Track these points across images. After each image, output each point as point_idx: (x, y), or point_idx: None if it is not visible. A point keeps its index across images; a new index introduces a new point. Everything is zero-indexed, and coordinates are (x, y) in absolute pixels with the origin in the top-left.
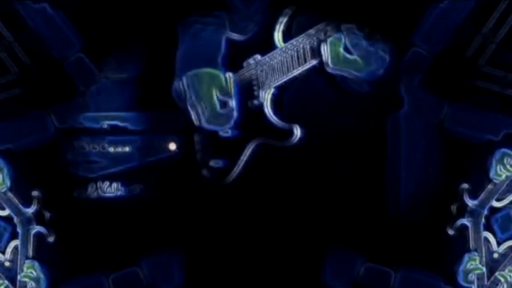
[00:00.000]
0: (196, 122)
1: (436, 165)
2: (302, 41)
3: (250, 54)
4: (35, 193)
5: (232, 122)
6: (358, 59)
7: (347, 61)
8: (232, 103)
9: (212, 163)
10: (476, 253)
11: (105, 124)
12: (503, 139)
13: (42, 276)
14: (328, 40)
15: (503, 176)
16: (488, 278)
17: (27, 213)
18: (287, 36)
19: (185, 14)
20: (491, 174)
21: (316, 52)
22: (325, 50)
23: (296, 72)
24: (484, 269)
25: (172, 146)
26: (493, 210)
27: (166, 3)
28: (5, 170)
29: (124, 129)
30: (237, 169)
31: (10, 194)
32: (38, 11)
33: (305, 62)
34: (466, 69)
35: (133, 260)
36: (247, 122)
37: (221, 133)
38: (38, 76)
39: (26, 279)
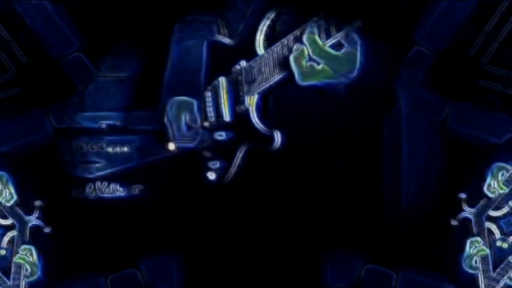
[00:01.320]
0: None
1: (438, 166)
2: (276, 51)
3: (239, 58)
4: (37, 203)
5: (197, 142)
6: (325, 67)
7: (314, 73)
8: (198, 127)
9: (210, 164)
10: (478, 237)
11: (103, 124)
12: (506, 143)
13: (38, 263)
14: (291, 56)
15: (496, 193)
16: (494, 264)
17: (30, 221)
18: (270, 41)
19: (184, 13)
20: (485, 188)
21: (285, 65)
22: (291, 67)
23: (272, 81)
24: (488, 251)
25: (171, 146)
26: (492, 218)
27: (166, 1)
28: (10, 183)
29: (122, 129)
30: (232, 170)
31: (17, 208)
32: (36, 9)
33: (279, 72)
34: (468, 68)
35: (132, 261)
36: (237, 126)
37: (216, 136)
38: (36, 75)
39: (21, 261)
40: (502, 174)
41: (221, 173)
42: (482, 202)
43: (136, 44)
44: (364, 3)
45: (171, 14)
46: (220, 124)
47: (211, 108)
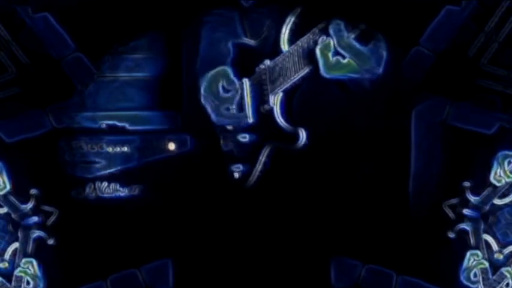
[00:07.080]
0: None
1: (438, 166)
2: (300, 46)
3: (262, 59)
4: (33, 191)
5: (235, 107)
6: (351, 61)
7: (340, 66)
8: (236, 91)
9: (233, 168)
10: (478, 250)
11: (103, 124)
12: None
13: (40, 275)
14: (317, 48)
15: (503, 181)
16: (493, 275)
17: (25, 210)
18: (293, 39)
19: (185, 13)
20: (491, 177)
21: (311, 58)
22: (317, 58)
23: (297, 77)
24: (487, 264)
25: (171, 146)
26: (496, 208)
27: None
28: (4, 172)
29: (122, 129)
30: (256, 173)
31: (11, 197)
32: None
33: (304, 66)
34: (468, 68)
35: (132, 261)
36: (261, 127)
37: (240, 138)
38: (36, 75)
39: (22, 274)
40: (509, 163)
41: (244, 176)
42: (486, 192)
43: (137, 44)
44: (367, 4)
45: (172, 14)
46: (243, 126)
47: (235, 111)
